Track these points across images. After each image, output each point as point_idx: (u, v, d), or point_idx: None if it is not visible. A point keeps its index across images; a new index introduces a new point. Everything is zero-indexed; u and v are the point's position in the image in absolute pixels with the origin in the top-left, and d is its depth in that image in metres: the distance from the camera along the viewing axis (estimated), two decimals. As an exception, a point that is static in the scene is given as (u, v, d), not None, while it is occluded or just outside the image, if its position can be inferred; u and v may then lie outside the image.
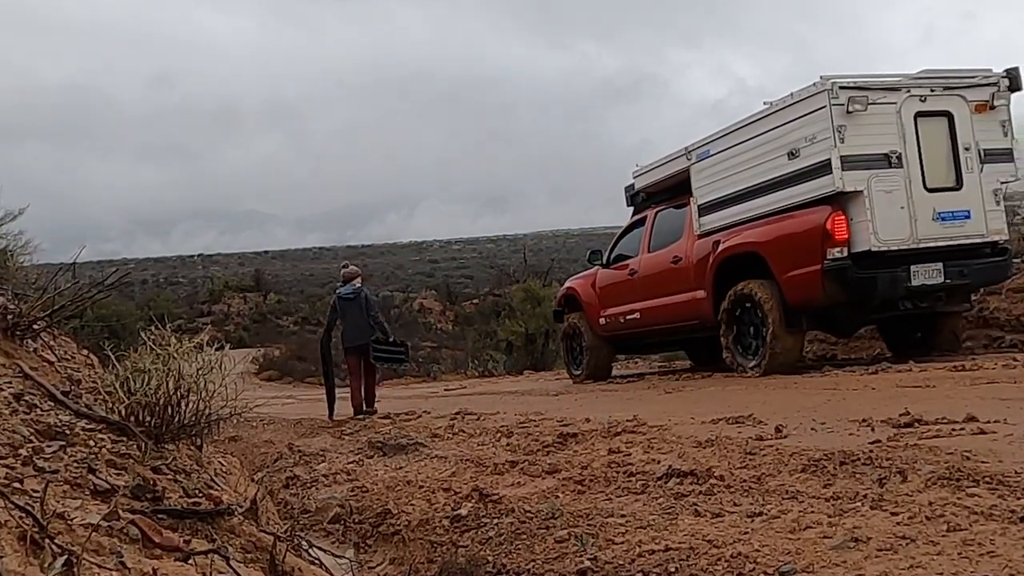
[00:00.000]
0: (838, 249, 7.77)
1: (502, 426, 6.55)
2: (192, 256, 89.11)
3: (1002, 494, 2.93)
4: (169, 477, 2.79)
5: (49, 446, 2.60)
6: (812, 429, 4.77)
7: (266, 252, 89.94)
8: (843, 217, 7.78)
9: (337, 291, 9.75)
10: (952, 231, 7.92)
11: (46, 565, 1.78)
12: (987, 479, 3.09)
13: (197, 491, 2.80)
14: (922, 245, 7.83)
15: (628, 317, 10.51)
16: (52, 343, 4.40)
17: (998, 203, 8.16)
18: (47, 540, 1.85)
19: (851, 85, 7.76)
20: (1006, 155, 8.22)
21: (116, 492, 2.38)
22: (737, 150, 8.83)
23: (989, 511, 2.76)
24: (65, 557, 1.81)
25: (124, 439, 2.90)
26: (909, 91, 7.95)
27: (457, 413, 7.99)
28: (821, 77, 7.86)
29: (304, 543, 3.22)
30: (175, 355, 3.10)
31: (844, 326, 9.23)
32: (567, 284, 12.30)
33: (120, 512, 2.18)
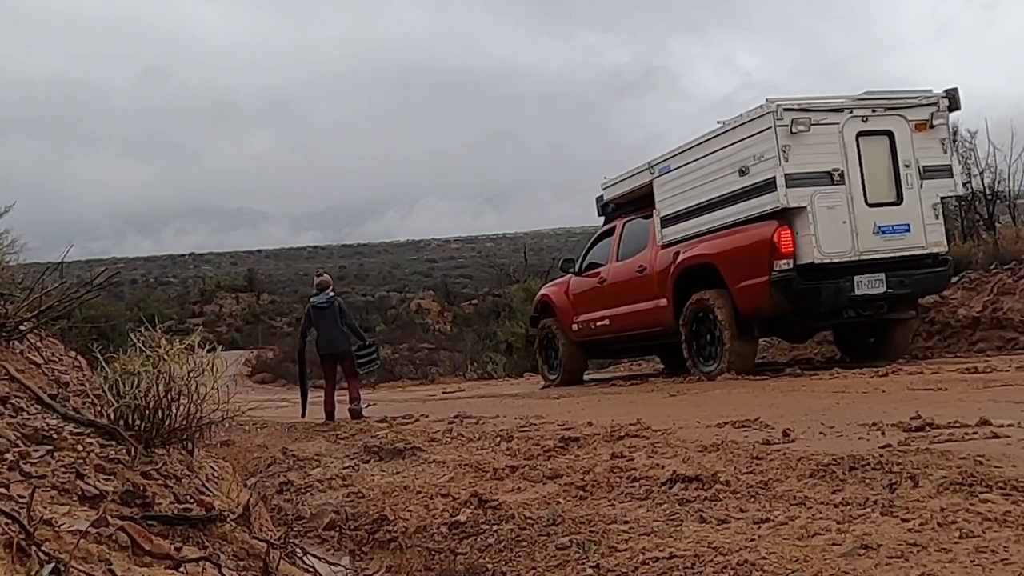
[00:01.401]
0: (784, 261, 8.47)
1: (502, 430, 6.55)
2: (183, 255, 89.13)
3: (1016, 500, 2.93)
4: (159, 482, 2.79)
5: (36, 451, 2.60)
6: (821, 433, 4.77)
7: (259, 251, 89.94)
8: (789, 231, 8.48)
9: (311, 300, 10.32)
10: (893, 244, 8.60)
11: (33, 573, 1.78)
12: (1000, 484, 3.09)
13: (188, 497, 2.80)
14: (864, 257, 8.52)
15: (599, 323, 11.20)
16: (39, 345, 4.40)
17: (937, 217, 8.85)
18: (34, 547, 1.85)
19: (795, 107, 8.46)
20: (945, 171, 8.88)
21: (105, 498, 2.38)
22: (694, 166, 9.55)
23: (1003, 517, 2.76)
24: (52, 565, 1.81)
25: (113, 443, 2.90)
26: (851, 112, 8.64)
27: (455, 417, 7.98)
28: (767, 99, 8.55)
29: (298, 550, 3.22)
30: (165, 357, 3.10)
31: (795, 333, 10.10)
32: (542, 291, 13.11)
33: (109, 518, 2.18)
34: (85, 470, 2.54)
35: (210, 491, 3.13)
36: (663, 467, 4.23)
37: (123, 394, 3.02)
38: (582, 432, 5.71)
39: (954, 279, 10.09)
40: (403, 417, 8.92)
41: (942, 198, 8.92)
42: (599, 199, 11.90)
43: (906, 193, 8.65)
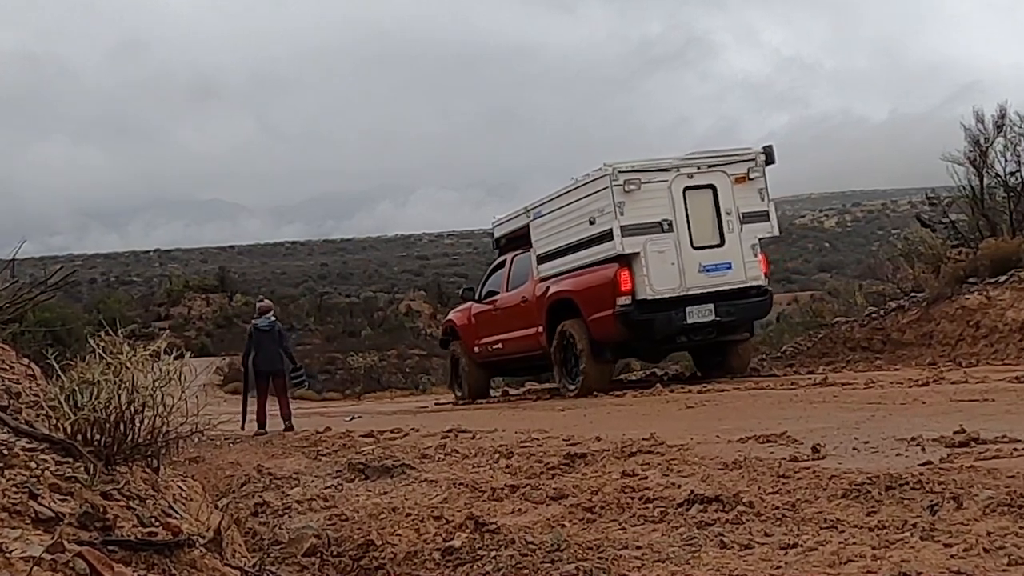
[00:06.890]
0: (624, 297, 11.10)
1: (500, 445, 6.56)
2: (147, 252, 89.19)
3: (1071, 523, 2.93)
4: (121, 503, 2.79)
5: (-16, 468, 2.60)
6: (854, 449, 4.78)
7: (232, 247, 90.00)
8: (627, 272, 11.11)
9: (253, 322, 12.87)
10: (716, 279, 11.21)
11: (-19, 604, 1.77)
12: (1053, 506, 3.09)
13: (153, 519, 2.80)
14: (691, 292, 11.10)
15: (494, 346, 13.93)
16: (-12, 351, 4.40)
17: (755, 255, 11.40)
18: (-18, 575, 1.85)
19: (628, 169, 11.12)
20: (763, 216, 11.50)
21: (61, 520, 2.37)
22: (558, 214, 12.30)
23: (1056, 542, 2.76)
24: (3, 595, 1.81)
25: (70, 460, 2.90)
26: (679, 170, 11.28)
27: (449, 430, 8.00)
28: (604, 163, 11.21)
29: (275, 579, 3.22)
30: (128, 365, 3.10)
31: (646, 355, 13.65)
32: (448, 316, 16.14)
33: (65, 543, 2.18)
34: (39, 490, 2.54)
35: (177, 513, 3.14)
36: (680, 486, 4.24)
37: (81, 406, 3.02)
38: (590, 448, 5.72)
39: (1002, 278, 10.30)
40: (391, 431, 8.94)
41: (760, 239, 11.43)
42: (492, 234, 14.98)
43: (727, 236, 11.26)
